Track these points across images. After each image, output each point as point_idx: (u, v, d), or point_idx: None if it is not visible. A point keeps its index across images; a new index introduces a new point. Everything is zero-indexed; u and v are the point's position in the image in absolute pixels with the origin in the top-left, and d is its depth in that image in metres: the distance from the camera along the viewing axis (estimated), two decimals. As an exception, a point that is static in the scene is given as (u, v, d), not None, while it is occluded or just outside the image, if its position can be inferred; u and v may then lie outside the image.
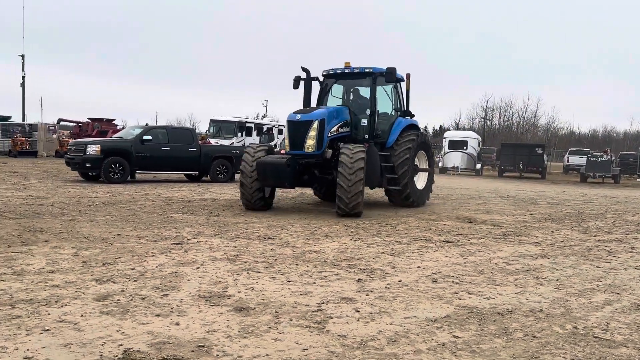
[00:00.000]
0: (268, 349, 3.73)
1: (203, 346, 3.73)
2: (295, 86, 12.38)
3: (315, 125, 10.74)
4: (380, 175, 11.47)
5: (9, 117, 44.34)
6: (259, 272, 5.89)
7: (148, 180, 18.18)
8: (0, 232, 7.68)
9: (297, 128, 10.88)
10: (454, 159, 35.16)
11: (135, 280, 5.38)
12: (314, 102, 12.66)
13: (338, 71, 12.25)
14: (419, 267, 6.48)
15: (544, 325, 4.49)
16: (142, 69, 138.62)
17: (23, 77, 45.86)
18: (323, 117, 10.83)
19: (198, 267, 6.03)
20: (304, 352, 3.71)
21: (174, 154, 17.69)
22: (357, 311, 4.65)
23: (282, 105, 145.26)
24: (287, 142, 11.17)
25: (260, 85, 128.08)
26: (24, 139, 33.06)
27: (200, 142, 19.46)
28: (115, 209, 10.63)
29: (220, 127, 40.57)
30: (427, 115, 70.45)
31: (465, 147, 35.29)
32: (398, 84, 12.58)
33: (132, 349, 3.62)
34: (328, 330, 4.15)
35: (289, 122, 11.06)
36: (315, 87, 12.71)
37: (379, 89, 12.23)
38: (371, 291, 5.30)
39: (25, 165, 24.39)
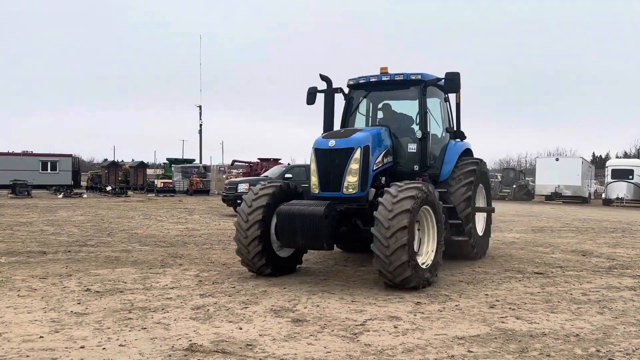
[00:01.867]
0: (298, 350, 4.61)
1: (250, 345, 4.72)
2: (310, 100, 9.08)
3: (357, 154, 7.54)
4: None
5: (193, 160, 50.80)
6: (332, 293, 6.77)
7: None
8: (149, 257, 9.51)
9: (331, 159, 7.66)
10: (618, 189, 32.48)
11: (229, 296, 6.59)
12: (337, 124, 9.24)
13: (372, 79, 8.81)
14: (486, 294, 6.84)
15: (566, 347, 4.75)
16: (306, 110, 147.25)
17: (200, 125, 52.55)
18: (367, 143, 7.62)
19: (284, 287, 7.08)
20: (326, 353, 4.52)
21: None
22: (395, 327, 5.31)
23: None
24: (314, 179, 7.84)
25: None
26: (198, 179, 37.68)
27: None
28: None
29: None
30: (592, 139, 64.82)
31: (630, 177, 32.47)
32: (447, 97, 9.40)
33: (196, 343, 4.74)
34: (358, 340, 4.89)
35: (317, 150, 7.81)
36: (339, 103, 9.30)
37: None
38: (422, 312, 5.89)
39: (196, 203, 27.94)
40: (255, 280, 7.59)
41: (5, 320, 5.33)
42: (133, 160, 51.28)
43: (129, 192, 36.72)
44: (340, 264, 9.03)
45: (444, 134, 9.35)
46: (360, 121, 9.22)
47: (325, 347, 4.68)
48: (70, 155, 49.65)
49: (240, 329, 5.21)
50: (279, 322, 5.47)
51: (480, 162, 9.53)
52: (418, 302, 6.34)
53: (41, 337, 4.83)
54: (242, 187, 18.66)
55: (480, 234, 9.78)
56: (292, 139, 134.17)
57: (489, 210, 10.02)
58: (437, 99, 9.20)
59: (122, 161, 54.40)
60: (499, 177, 42.87)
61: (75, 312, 5.70)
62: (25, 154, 47.81)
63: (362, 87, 9.09)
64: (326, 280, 7.60)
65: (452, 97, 9.37)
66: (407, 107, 9.05)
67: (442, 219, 7.46)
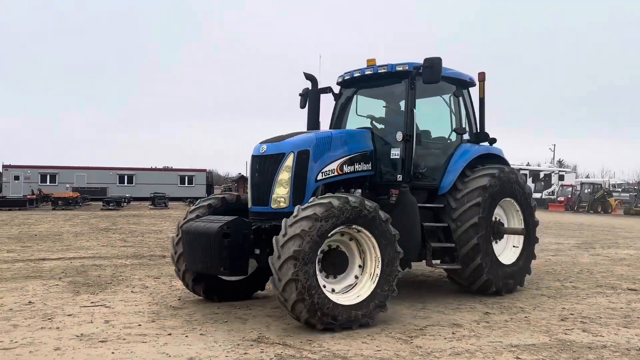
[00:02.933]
0: (352, 347, 5.04)
1: (310, 340, 5.23)
2: (303, 104, 8.17)
3: (288, 161, 6.41)
4: (424, 242, 6.93)
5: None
6: (404, 299, 7.09)
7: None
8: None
9: (263, 168, 6.57)
10: None
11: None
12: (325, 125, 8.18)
13: (356, 75, 7.71)
14: (563, 308, 6.76)
15: (620, 361, 4.70)
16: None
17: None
18: (305, 148, 6.50)
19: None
20: (376, 352, 4.91)
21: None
22: (453, 333, 5.54)
23: (574, 151, 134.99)
24: (248, 191, 6.78)
25: (549, 128, 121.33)
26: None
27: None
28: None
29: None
30: None
31: None
32: (464, 92, 7.99)
33: (264, 336, 5.34)
34: (411, 342, 5.22)
35: (252, 157, 6.77)
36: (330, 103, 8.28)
37: (433, 99, 7.96)
38: (487, 322, 6.03)
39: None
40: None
41: (115, 311, 6.34)
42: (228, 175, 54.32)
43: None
44: (425, 273, 9.26)
45: (451, 136, 7.90)
46: (353, 122, 7.93)
47: (377, 346, 5.06)
48: (204, 170, 53.93)
49: (307, 326, 5.75)
50: (344, 323, 5.93)
51: (501, 172, 7.46)
52: (487, 312, 6.47)
53: (139, 325, 5.73)
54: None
55: (509, 262, 7.64)
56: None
57: (516, 233, 7.83)
58: (445, 94, 7.89)
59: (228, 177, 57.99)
60: (634, 190, 39.60)
61: (173, 307, 6.59)
62: (166, 169, 52.71)
63: (352, 84, 8.01)
64: (400, 287, 7.91)
65: (474, 92, 8.08)
66: (419, 105, 7.38)
67: (391, 241, 5.90)
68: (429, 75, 6.72)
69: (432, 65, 6.68)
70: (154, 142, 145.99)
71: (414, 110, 6.99)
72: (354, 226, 5.73)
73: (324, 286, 5.60)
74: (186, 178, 51.23)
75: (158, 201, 36.71)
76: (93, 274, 8.83)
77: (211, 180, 54.44)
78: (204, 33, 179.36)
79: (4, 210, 29.89)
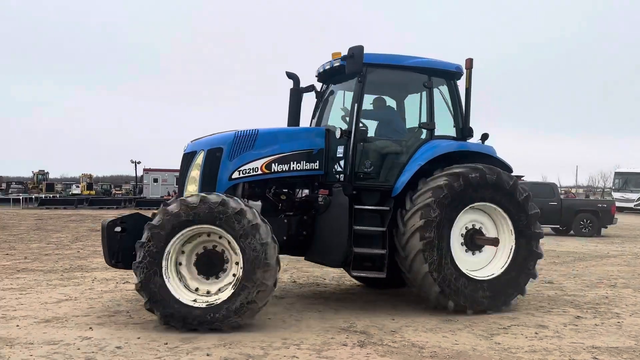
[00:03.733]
0: (431, 339, 5.38)
1: (394, 332, 5.65)
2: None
3: (198, 159, 6.53)
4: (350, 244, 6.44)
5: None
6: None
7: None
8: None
9: (182, 166, 6.76)
10: None
11: (399, 295, 7.54)
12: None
13: (325, 68, 7.30)
14: (666, 316, 6.54)
15: None
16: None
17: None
18: (219, 146, 6.51)
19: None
20: (453, 344, 5.22)
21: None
22: (536, 333, 5.67)
23: None
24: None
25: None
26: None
27: (566, 196, 19.93)
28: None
29: (627, 179, 38.15)
30: None
31: None
32: (451, 83, 7.18)
33: (354, 325, 5.85)
34: (491, 339, 5.44)
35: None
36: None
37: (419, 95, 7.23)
38: (575, 325, 6.05)
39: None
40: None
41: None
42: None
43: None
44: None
45: (415, 132, 7.19)
46: (335, 119, 7.44)
47: (456, 340, 5.36)
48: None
49: (393, 319, 6.17)
50: (430, 316, 6.27)
51: (472, 171, 6.46)
52: (578, 316, 6.46)
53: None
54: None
55: (489, 276, 6.57)
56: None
57: (489, 243, 6.69)
58: (435, 87, 7.10)
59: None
60: None
61: (276, 296, 7.30)
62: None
63: (324, 79, 7.66)
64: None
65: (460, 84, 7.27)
66: (410, 100, 7.38)
67: (250, 245, 5.45)
68: (351, 65, 6.39)
69: (353, 55, 6.36)
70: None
71: (360, 104, 6.67)
72: (207, 226, 5.58)
73: (196, 289, 5.64)
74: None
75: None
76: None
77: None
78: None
79: (145, 209, 33.23)
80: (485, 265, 6.70)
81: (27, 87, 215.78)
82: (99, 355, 4.67)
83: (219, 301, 5.48)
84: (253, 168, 6.53)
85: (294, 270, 9.63)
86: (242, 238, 5.47)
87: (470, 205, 6.56)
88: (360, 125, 6.75)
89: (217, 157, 6.47)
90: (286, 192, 6.97)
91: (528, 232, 6.70)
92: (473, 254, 6.69)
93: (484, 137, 7.37)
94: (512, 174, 6.91)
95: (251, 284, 5.43)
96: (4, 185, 43.62)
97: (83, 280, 8.27)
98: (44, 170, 55.97)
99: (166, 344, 5.03)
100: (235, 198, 5.72)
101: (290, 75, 7.63)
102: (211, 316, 5.41)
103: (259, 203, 6.47)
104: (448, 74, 7.15)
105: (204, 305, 5.47)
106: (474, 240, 6.68)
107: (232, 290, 5.49)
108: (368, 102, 7.22)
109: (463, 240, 6.66)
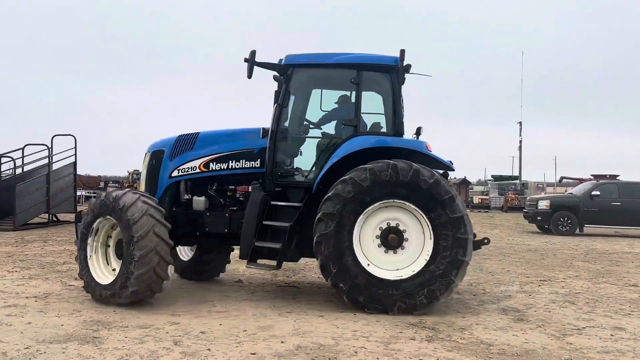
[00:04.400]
0: (501, 337, 5.42)
1: (463, 329, 5.74)
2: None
3: (146, 160, 7.55)
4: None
5: (517, 177, 50.58)
6: (573, 303, 7.10)
7: (597, 234, 18.84)
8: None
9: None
10: None
11: (458, 294, 7.57)
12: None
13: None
14: None
15: None
16: None
17: (520, 142, 52.23)
18: (161, 148, 7.38)
19: (530, 295, 7.68)
20: (523, 343, 5.24)
21: (625, 208, 18.00)
22: (612, 335, 5.57)
23: None
24: None
25: None
26: (514, 196, 37.66)
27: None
28: (532, 255, 12.64)
29: None
30: None
31: None
32: (389, 77, 6.91)
33: (423, 322, 6.00)
34: (564, 339, 5.41)
35: None
36: None
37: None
38: (655, 328, 5.88)
39: (505, 219, 28.30)
40: (504, 286, 8.34)
41: (302, 291, 7.51)
42: (455, 178, 53.77)
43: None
44: (591, 278, 8.93)
45: (340, 129, 7.13)
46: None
47: (526, 339, 5.37)
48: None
49: (463, 317, 6.24)
50: (502, 317, 6.29)
51: (386, 167, 6.26)
52: (659, 320, 6.25)
53: (323, 303, 6.80)
54: (542, 204, 18.59)
55: (409, 273, 6.27)
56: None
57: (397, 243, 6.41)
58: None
59: (451, 179, 57.54)
60: None
61: (349, 292, 7.57)
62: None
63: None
64: (575, 292, 7.84)
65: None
66: (367, 98, 7.12)
67: (129, 238, 6.15)
68: (248, 70, 6.72)
69: (247, 60, 6.69)
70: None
71: (282, 106, 6.89)
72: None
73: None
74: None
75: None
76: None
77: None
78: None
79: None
80: (405, 265, 6.35)
81: (130, 93, 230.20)
82: (184, 338, 5.12)
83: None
84: (191, 167, 7.18)
85: (368, 267, 9.84)
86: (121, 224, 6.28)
87: (384, 202, 6.35)
88: (308, 124, 7.27)
89: (159, 158, 7.34)
90: (232, 189, 7.35)
91: (449, 235, 6.21)
92: (395, 252, 6.40)
93: (418, 131, 7.35)
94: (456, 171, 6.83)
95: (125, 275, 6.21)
96: (102, 184, 46.98)
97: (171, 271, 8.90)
98: (138, 170, 59.28)
99: (245, 331, 5.42)
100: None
101: (277, 79, 7.45)
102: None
103: (202, 199, 7.11)
104: (384, 68, 6.92)
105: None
106: (388, 239, 6.41)
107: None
108: (333, 99, 7.42)
109: (380, 239, 6.43)
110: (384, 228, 6.43)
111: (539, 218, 18.86)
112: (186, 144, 7.28)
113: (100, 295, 6.37)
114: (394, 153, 6.55)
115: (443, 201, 6.22)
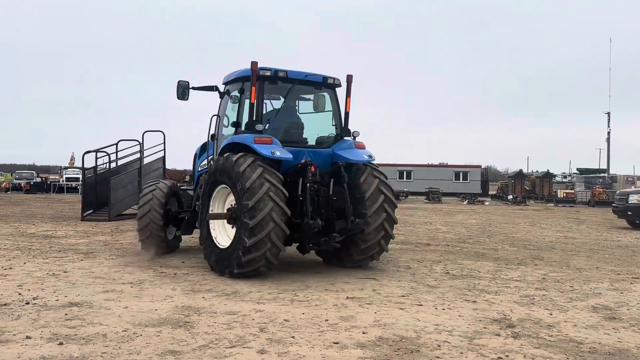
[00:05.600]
0: (592, 335, 5.23)
1: (551, 326, 5.57)
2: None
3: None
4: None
5: (604, 170, 48.08)
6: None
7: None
8: (511, 256, 10.68)
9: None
10: None
11: (560, 292, 7.31)
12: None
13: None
14: None
15: None
16: None
17: (608, 133, 48.92)
18: (195, 151, 10.64)
19: (621, 292, 7.32)
20: (616, 342, 5.03)
21: None
22: None
23: None
24: None
25: None
26: (602, 190, 35.67)
27: None
28: (622, 252, 11.99)
29: None
30: None
31: None
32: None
33: (506, 317, 5.87)
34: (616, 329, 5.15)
35: None
36: None
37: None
38: None
39: (592, 214, 26.93)
40: (593, 283, 7.98)
41: (382, 283, 7.56)
42: (537, 171, 51.86)
43: (529, 202, 37.66)
44: None
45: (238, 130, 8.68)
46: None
47: (619, 338, 5.16)
48: (479, 167, 53.83)
49: (551, 314, 6.06)
50: (592, 315, 6.05)
51: (220, 159, 8.05)
52: None
53: (401, 295, 6.81)
54: (633, 198, 17.54)
55: (227, 243, 7.93)
56: None
57: (214, 217, 8.22)
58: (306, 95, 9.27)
59: (533, 171, 55.60)
60: None
61: (430, 285, 7.52)
62: (441, 165, 54.18)
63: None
64: None
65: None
66: (306, 107, 9.35)
67: None
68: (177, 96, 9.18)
69: (177, 87, 9.14)
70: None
71: (219, 117, 9.25)
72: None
73: None
74: (461, 174, 51.86)
75: (432, 196, 38.28)
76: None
77: (486, 176, 53.92)
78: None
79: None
80: (219, 234, 8.13)
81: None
82: (269, 325, 5.30)
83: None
84: (204, 164, 9.68)
85: (448, 262, 9.72)
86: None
87: (222, 186, 8.00)
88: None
89: (195, 156, 10.43)
90: None
91: (243, 219, 7.34)
92: (232, 227, 7.84)
93: (354, 134, 8.89)
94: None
95: None
96: (187, 178, 49.12)
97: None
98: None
99: (327, 320, 5.53)
100: None
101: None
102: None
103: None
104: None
105: None
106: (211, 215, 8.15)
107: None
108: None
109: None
110: (230, 207, 7.96)
111: (629, 213, 17.78)
112: (204, 148, 9.93)
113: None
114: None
115: (241, 188, 7.47)
